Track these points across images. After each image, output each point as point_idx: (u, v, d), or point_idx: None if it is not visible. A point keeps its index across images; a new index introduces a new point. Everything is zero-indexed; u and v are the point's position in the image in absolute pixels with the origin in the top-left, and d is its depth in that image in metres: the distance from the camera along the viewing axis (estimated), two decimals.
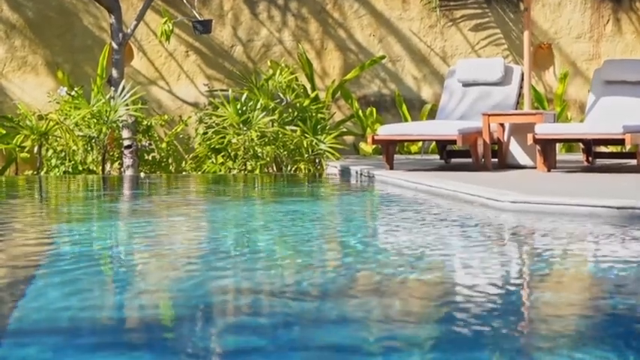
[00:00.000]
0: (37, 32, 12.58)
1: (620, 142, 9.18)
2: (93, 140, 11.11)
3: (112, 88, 11.24)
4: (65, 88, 11.66)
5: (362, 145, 12.50)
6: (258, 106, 11.34)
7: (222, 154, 11.40)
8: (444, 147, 10.48)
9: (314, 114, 11.59)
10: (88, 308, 3.85)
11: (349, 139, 12.72)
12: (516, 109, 10.22)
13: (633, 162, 9.57)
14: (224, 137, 11.29)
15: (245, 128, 11.22)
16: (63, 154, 11.11)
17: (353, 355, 3.19)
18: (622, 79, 9.93)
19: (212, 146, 11.42)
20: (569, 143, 11.99)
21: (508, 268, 4.79)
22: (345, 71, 12.83)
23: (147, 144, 11.54)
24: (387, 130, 9.75)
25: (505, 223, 6.31)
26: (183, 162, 11.91)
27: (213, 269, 4.67)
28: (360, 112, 12.62)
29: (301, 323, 3.59)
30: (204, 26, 11.72)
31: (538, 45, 12.94)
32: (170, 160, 11.86)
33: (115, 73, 11.34)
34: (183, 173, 11.63)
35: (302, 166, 11.27)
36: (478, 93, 10.34)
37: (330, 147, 11.24)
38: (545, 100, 12.73)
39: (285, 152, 11.31)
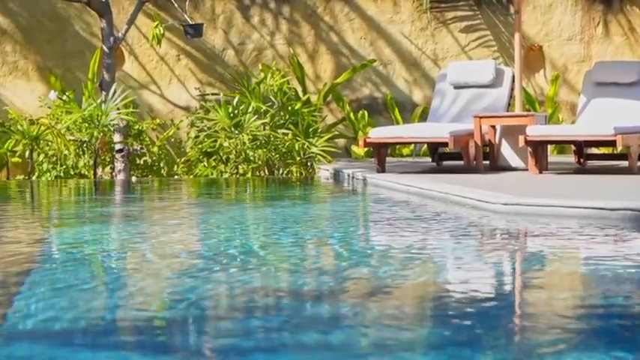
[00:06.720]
0: (28, 37, 12.56)
1: (612, 143, 9.20)
2: (84, 144, 11.09)
3: (104, 92, 11.23)
4: (56, 92, 11.63)
5: (354, 148, 12.50)
6: (250, 109, 11.33)
7: (214, 157, 11.39)
8: (435, 149, 10.48)
9: (306, 117, 11.59)
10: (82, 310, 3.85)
11: (341, 142, 12.72)
12: (508, 111, 10.23)
13: (624, 163, 9.58)
14: (216, 141, 11.28)
15: (237, 132, 11.21)
16: (54, 158, 11.09)
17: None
18: (613, 80, 9.95)
19: (204, 150, 11.41)
20: (561, 145, 12.00)
21: (503, 269, 4.79)
22: (337, 74, 12.82)
23: (138, 148, 11.52)
24: (379, 133, 9.76)
25: (497, 225, 6.31)
26: (175, 166, 11.89)
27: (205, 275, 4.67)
28: (352, 115, 12.62)
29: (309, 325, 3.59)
30: (196, 30, 11.71)
31: (529, 47, 12.96)
32: (162, 164, 11.84)
33: (106, 77, 11.32)
34: (175, 177, 11.61)
35: (294, 170, 11.26)
36: (469, 95, 10.34)
37: (322, 150, 11.24)
38: (537, 102, 12.75)
39: (277, 155, 11.30)
